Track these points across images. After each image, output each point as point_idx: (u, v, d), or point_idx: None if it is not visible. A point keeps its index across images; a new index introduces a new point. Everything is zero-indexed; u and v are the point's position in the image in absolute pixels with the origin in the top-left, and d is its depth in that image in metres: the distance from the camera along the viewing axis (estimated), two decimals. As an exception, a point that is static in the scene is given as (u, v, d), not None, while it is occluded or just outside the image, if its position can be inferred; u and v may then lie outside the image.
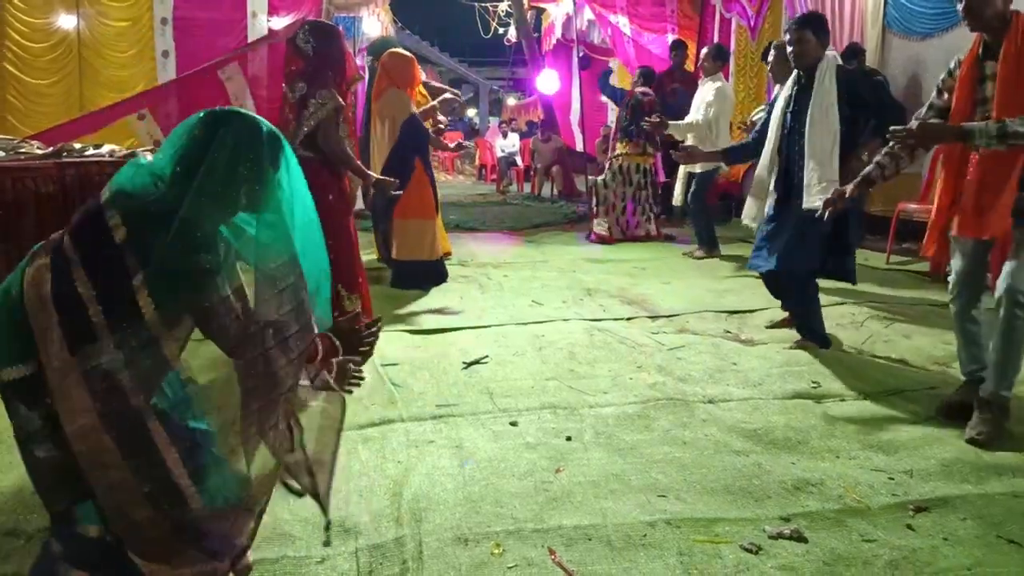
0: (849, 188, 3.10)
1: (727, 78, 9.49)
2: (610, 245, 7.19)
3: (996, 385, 2.70)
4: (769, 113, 3.92)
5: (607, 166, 7.50)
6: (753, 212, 4.06)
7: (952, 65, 2.87)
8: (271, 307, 1.52)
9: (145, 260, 1.42)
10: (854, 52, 6.32)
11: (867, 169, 3.08)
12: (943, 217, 2.88)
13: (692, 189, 6.60)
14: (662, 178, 7.83)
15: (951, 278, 2.95)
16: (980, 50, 2.74)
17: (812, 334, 3.74)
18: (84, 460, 1.41)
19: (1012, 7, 2.68)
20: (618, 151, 7.37)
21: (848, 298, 4.74)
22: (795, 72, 3.71)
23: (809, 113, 3.56)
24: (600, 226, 7.41)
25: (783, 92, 3.82)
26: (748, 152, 4.13)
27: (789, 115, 3.69)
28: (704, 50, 6.72)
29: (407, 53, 5.05)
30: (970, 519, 2.13)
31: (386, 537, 2.03)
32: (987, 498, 2.24)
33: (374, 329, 1.98)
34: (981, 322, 2.90)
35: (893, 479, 2.37)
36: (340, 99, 3.37)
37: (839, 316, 4.34)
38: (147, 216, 1.45)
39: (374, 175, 3.86)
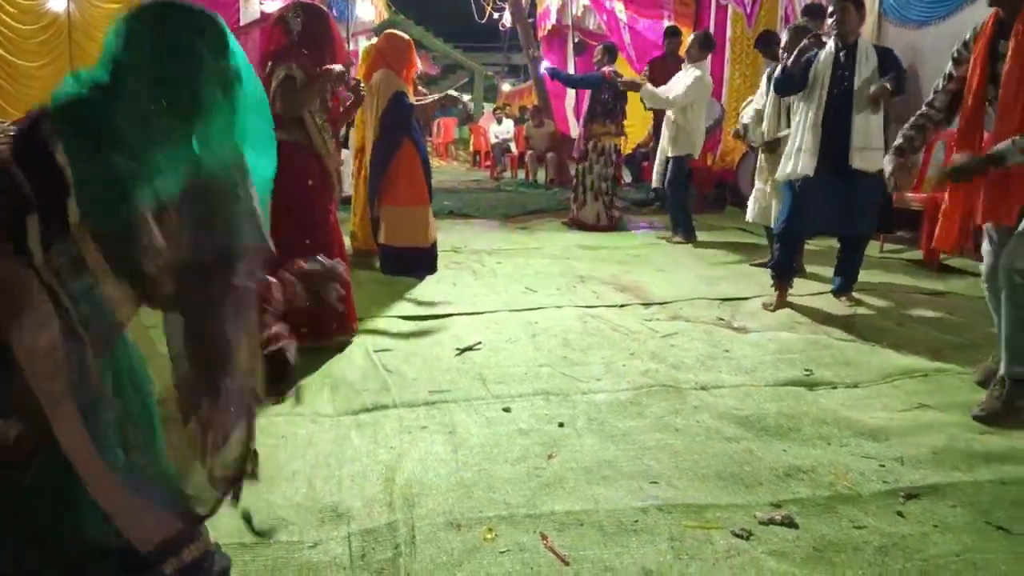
0: (888, 166, 3.14)
1: (723, 66, 9.53)
2: (601, 233, 7.18)
3: (1008, 362, 2.70)
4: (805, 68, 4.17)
5: (589, 148, 7.34)
6: (788, 169, 4.23)
7: (968, 36, 2.87)
8: (208, 235, 1.30)
9: (77, 173, 1.23)
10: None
11: (896, 143, 3.14)
12: (962, 206, 2.85)
13: (668, 174, 6.62)
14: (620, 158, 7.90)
15: (983, 266, 2.94)
16: (995, 28, 2.73)
17: (850, 284, 4.37)
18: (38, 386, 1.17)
19: None
20: (599, 131, 7.26)
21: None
22: (833, 43, 4.04)
23: (857, 84, 3.95)
24: (588, 213, 7.40)
25: (822, 60, 4.07)
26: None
27: (836, 85, 3.99)
28: (690, 37, 6.70)
29: (404, 35, 4.98)
30: (959, 506, 2.14)
31: (378, 522, 2.03)
32: (976, 485, 2.26)
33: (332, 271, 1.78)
34: None
35: (884, 466, 2.38)
36: (299, 71, 3.24)
37: (832, 303, 4.35)
38: (81, 127, 1.27)
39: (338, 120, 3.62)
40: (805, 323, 3.99)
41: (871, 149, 4.00)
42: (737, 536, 1.97)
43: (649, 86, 6.60)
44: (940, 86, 3.02)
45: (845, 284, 4.37)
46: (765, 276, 4.83)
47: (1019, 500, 2.17)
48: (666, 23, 9.70)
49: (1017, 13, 2.62)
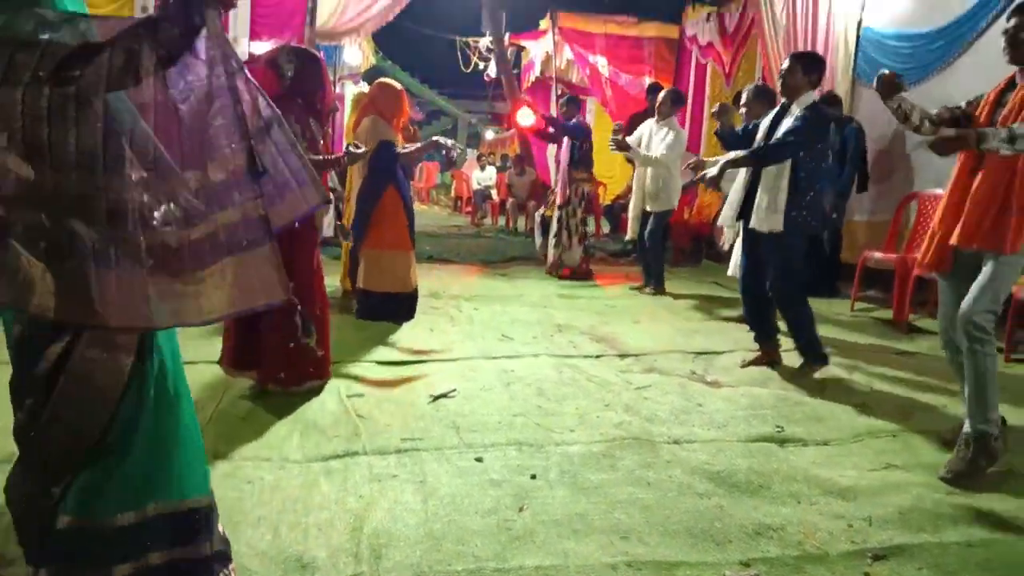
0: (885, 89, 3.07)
1: (702, 122, 9.78)
2: (579, 281, 7.24)
3: (971, 420, 2.78)
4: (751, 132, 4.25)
5: (571, 193, 7.43)
6: (727, 217, 4.34)
7: (977, 96, 3.00)
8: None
9: None
10: (829, 101, 6.48)
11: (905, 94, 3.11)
12: (945, 229, 2.93)
13: (650, 227, 6.71)
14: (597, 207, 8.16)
15: (940, 332, 3.03)
16: (1005, 83, 2.86)
17: (813, 354, 4.06)
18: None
19: None
20: (579, 178, 7.41)
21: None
22: (782, 101, 4.07)
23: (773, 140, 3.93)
24: (572, 256, 7.48)
25: (766, 119, 4.15)
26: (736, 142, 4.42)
27: (765, 141, 4.00)
28: (662, 94, 6.83)
29: (397, 85, 5.02)
30: (926, 568, 2.15)
31: (344, 573, 1.99)
32: (942, 547, 2.27)
33: None
34: None
35: (852, 526, 2.39)
36: (296, 127, 3.28)
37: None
38: None
39: (335, 156, 3.56)
40: (776, 379, 4.02)
41: (769, 210, 3.92)
42: (706, 595, 1.96)
43: (641, 152, 6.70)
44: (948, 107, 3.09)
45: (797, 348, 4.12)
46: (739, 330, 4.89)
47: (984, 563, 2.19)
48: (647, 79, 9.93)
49: None
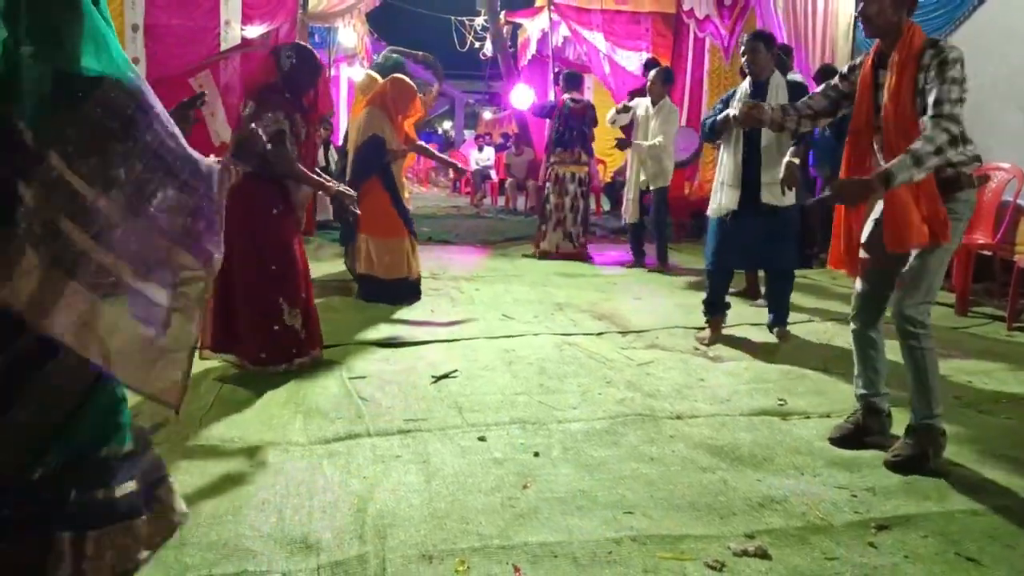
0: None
1: (701, 97, 9.73)
2: (555, 260, 7.16)
3: (917, 415, 2.65)
4: (725, 106, 4.20)
5: (547, 178, 7.39)
6: (715, 205, 4.24)
7: (859, 60, 2.86)
8: None
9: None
10: (826, 73, 6.41)
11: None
12: (851, 229, 2.82)
13: (655, 204, 6.75)
14: (597, 186, 7.94)
15: (853, 299, 2.91)
16: (875, 58, 2.72)
17: (783, 318, 4.33)
18: None
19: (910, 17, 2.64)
20: (552, 160, 7.29)
21: (815, 316, 4.81)
22: (747, 80, 4.12)
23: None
24: (548, 242, 7.36)
25: (737, 97, 4.14)
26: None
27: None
28: (653, 72, 6.76)
29: (411, 83, 4.99)
30: (930, 536, 2.15)
31: (348, 554, 2.00)
32: (947, 516, 2.27)
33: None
34: (880, 347, 2.83)
35: (856, 496, 2.39)
36: (286, 122, 3.34)
37: (806, 333, 4.39)
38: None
39: (334, 187, 3.63)
40: (779, 352, 4.02)
41: (778, 184, 3.90)
42: (710, 567, 1.96)
43: (644, 144, 6.64)
44: (821, 90, 2.99)
45: (777, 318, 4.35)
46: (739, 304, 4.88)
47: (989, 531, 2.19)
48: (645, 55, 9.84)
49: (894, 46, 2.61)
